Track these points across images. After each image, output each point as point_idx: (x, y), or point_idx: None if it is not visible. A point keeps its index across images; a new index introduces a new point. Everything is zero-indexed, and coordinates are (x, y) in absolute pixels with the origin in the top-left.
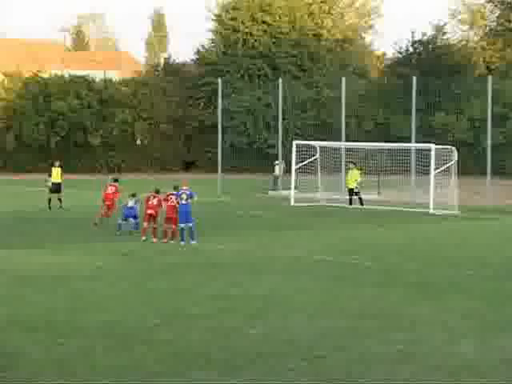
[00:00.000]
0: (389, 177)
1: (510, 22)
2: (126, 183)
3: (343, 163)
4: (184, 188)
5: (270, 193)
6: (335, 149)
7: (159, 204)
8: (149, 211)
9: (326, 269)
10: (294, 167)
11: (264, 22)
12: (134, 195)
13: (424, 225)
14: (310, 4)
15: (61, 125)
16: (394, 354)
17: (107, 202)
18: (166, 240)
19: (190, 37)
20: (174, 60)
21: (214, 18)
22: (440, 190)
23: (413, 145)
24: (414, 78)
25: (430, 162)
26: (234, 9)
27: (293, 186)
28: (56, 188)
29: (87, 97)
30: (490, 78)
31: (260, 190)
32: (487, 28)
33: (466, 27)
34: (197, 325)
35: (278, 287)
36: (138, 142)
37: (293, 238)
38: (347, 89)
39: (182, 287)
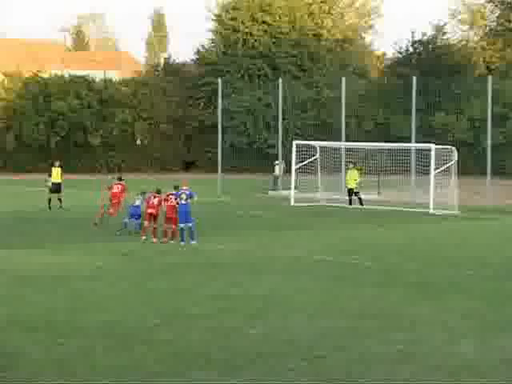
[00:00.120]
0: (389, 177)
1: (510, 21)
2: (126, 183)
3: (343, 163)
4: (184, 188)
5: (270, 193)
6: (335, 149)
7: (160, 204)
8: (149, 210)
9: (325, 269)
10: (293, 167)
11: (264, 22)
12: (143, 193)
13: (424, 225)
14: (310, 4)
15: (61, 125)
16: (394, 354)
17: (114, 201)
18: (166, 240)
19: (189, 37)
20: (174, 60)
21: (214, 18)
22: (440, 190)
23: (413, 145)
24: (414, 78)
25: (429, 162)
26: (233, 9)
27: (293, 186)
28: (56, 188)
29: (87, 97)
30: (489, 77)
31: (260, 190)
32: (487, 28)
33: (466, 27)
34: (197, 325)
35: (278, 287)
36: (138, 142)
37: (293, 238)
38: (347, 89)
39: (182, 287)
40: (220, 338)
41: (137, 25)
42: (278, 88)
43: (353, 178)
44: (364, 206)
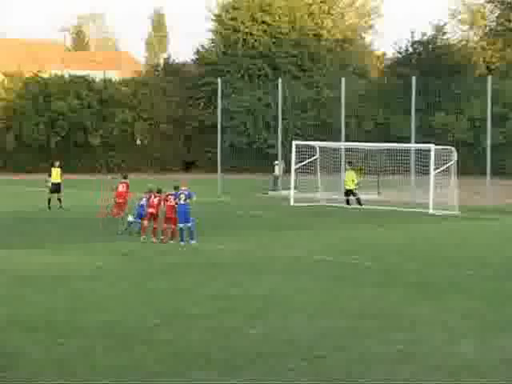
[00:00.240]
0: (389, 177)
1: (509, 21)
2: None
3: (343, 163)
4: (183, 188)
5: (270, 193)
6: (335, 149)
7: (160, 203)
8: (150, 210)
9: (325, 269)
10: (293, 167)
11: (264, 22)
12: (151, 191)
13: (424, 225)
14: (310, 4)
15: (61, 125)
16: (394, 354)
17: (119, 200)
18: (165, 240)
19: (189, 37)
20: (174, 60)
21: (214, 18)
22: (440, 190)
23: (413, 145)
24: (414, 78)
25: (429, 162)
26: (233, 9)
27: (292, 186)
28: (56, 188)
29: (87, 97)
30: (489, 78)
31: (260, 190)
32: (487, 28)
33: (465, 27)
34: (197, 325)
35: (278, 287)
36: (138, 142)
37: (293, 238)
38: (347, 89)
39: (182, 287)
40: (220, 338)
41: (137, 25)
42: (277, 88)
43: (350, 178)
44: (363, 206)
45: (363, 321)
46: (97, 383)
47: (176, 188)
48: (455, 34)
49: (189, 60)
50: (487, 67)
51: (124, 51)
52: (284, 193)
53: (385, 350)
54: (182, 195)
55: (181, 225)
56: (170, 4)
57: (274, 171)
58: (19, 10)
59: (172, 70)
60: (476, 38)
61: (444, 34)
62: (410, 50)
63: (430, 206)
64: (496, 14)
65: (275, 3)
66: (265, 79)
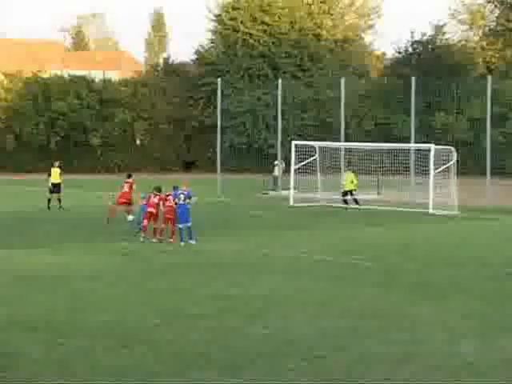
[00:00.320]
0: (389, 177)
1: (509, 21)
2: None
3: (342, 163)
4: (183, 188)
5: (270, 193)
6: (334, 149)
7: (160, 203)
8: (150, 209)
9: (326, 269)
10: (293, 167)
11: (264, 22)
12: (159, 190)
13: (424, 225)
14: (310, 4)
15: (61, 125)
16: (394, 354)
17: (122, 200)
18: (161, 238)
19: (189, 37)
20: (174, 60)
21: (214, 18)
22: (440, 190)
23: (412, 145)
24: (413, 78)
25: (429, 162)
26: (233, 9)
27: (292, 186)
28: (55, 188)
29: (87, 97)
30: (489, 78)
31: (260, 190)
32: (487, 28)
33: (465, 27)
34: (197, 325)
35: (278, 287)
36: (138, 142)
37: (293, 238)
38: (347, 89)
39: (182, 287)
40: (220, 338)
41: (137, 25)
42: (277, 88)
43: (349, 180)
44: (361, 206)
45: (363, 321)
46: (97, 383)
47: (175, 188)
48: (455, 34)
49: (188, 60)
50: (487, 67)
51: (124, 51)
52: (284, 193)
53: (385, 350)
54: (181, 195)
55: (180, 225)
56: (170, 4)
57: (273, 171)
58: (19, 10)
59: (172, 69)
60: (476, 38)
61: (444, 34)
62: (410, 49)
63: (430, 206)
64: (496, 14)
65: (275, 3)
66: (264, 79)
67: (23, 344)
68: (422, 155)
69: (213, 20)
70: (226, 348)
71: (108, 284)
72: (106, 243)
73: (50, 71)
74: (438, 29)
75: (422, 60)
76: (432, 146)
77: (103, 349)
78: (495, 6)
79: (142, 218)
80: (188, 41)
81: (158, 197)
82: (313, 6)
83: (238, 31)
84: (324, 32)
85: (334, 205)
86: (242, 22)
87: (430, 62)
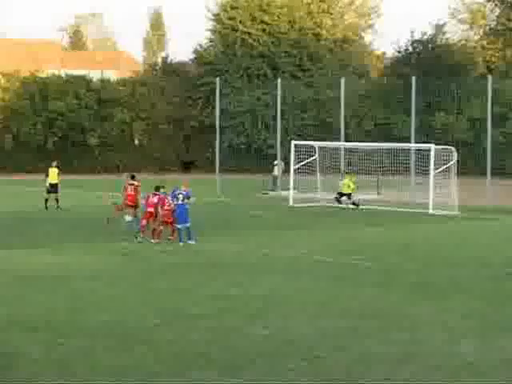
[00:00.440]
0: (389, 177)
1: (510, 21)
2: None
3: (342, 163)
4: (182, 189)
5: (270, 193)
6: (334, 149)
7: (159, 202)
8: (149, 209)
9: (325, 269)
10: (292, 167)
11: (263, 22)
12: (163, 187)
13: (424, 225)
14: (309, 3)
15: (59, 125)
16: (394, 354)
17: (128, 202)
18: (160, 240)
19: (188, 36)
20: (172, 60)
21: (213, 18)
22: (440, 191)
23: (412, 145)
24: (414, 78)
25: (429, 163)
26: (232, 8)
27: (292, 186)
28: (53, 188)
29: (85, 97)
30: (489, 77)
31: (259, 190)
32: (487, 27)
33: (465, 27)
34: (197, 325)
35: (278, 287)
36: (137, 142)
37: (293, 238)
38: (347, 89)
39: (182, 287)
40: (220, 338)
41: (135, 24)
42: (277, 88)
43: (346, 184)
44: (360, 207)
45: (363, 321)
46: (97, 383)
47: (157, 188)
48: (455, 33)
49: (187, 59)
50: (487, 67)
51: (123, 51)
52: (283, 193)
53: (385, 350)
54: (180, 195)
55: (179, 225)
56: (169, 3)
57: (273, 171)
58: (19, 10)
59: (170, 69)
60: (476, 38)
61: (444, 33)
62: (410, 49)
63: (430, 206)
64: (496, 14)
65: (274, 2)
66: (264, 79)
67: (23, 344)
68: (422, 155)
69: (211, 19)
70: (225, 348)
71: (108, 284)
72: (105, 243)
73: (47, 71)
74: (438, 28)
75: (422, 59)
76: (432, 146)
77: (103, 349)
78: (496, 5)
79: (141, 217)
80: (187, 40)
81: (157, 196)
82: (312, 6)
83: (237, 30)
84: (324, 31)
85: (333, 205)
86: (241, 22)
87: (430, 62)
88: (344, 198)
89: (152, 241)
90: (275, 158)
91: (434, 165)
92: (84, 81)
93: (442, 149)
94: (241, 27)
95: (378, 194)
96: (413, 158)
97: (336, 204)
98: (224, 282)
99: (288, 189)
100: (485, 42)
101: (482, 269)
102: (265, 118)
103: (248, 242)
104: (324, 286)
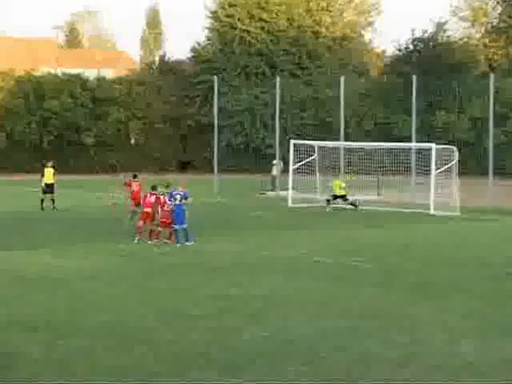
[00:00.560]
0: (389, 177)
1: None
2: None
3: (342, 163)
4: (180, 189)
5: (268, 193)
6: (334, 148)
7: (156, 201)
8: (146, 209)
9: (325, 269)
10: (291, 167)
11: (261, 19)
12: (167, 186)
13: (424, 225)
14: (308, 1)
15: (54, 124)
16: (394, 355)
17: (135, 201)
18: (158, 241)
19: (185, 34)
20: (169, 58)
21: (210, 15)
22: (441, 191)
23: (413, 144)
24: (414, 77)
25: (430, 162)
26: (230, 5)
27: (291, 186)
28: (48, 188)
29: (81, 95)
30: (491, 76)
31: (258, 190)
32: (489, 25)
33: (467, 24)
34: (197, 325)
35: (278, 287)
36: (133, 141)
37: (292, 238)
38: (347, 87)
39: (181, 287)
40: (220, 338)
41: (132, 22)
42: (275, 86)
43: (337, 185)
44: (359, 207)
45: (363, 321)
46: (97, 383)
47: (154, 188)
48: (457, 31)
49: (185, 58)
50: (489, 65)
51: (120, 50)
52: (282, 193)
53: (385, 351)
54: (177, 195)
55: (176, 226)
56: (166, 1)
57: (271, 171)
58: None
59: (167, 67)
60: (478, 36)
61: (445, 31)
62: (411, 47)
63: (431, 206)
64: (498, 11)
65: (272, 0)
66: (262, 77)
67: (23, 344)
68: (423, 155)
69: (209, 17)
70: (225, 348)
71: (108, 284)
72: (105, 243)
73: (43, 69)
74: (440, 26)
75: (423, 58)
76: (433, 146)
77: (103, 349)
78: (497, 2)
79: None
80: (184, 39)
81: (154, 196)
82: (311, 3)
83: (235, 28)
84: (323, 29)
85: (333, 205)
86: (239, 19)
87: (431, 60)
88: (339, 200)
89: (149, 242)
90: (274, 158)
91: (435, 165)
92: (80, 79)
93: (443, 148)
94: (239, 25)
95: (378, 194)
96: (413, 157)
97: (325, 205)
98: (224, 282)
99: (287, 189)
100: (487, 40)
101: (482, 269)
102: (263, 117)
103: (248, 243)
104: (324, 286)
